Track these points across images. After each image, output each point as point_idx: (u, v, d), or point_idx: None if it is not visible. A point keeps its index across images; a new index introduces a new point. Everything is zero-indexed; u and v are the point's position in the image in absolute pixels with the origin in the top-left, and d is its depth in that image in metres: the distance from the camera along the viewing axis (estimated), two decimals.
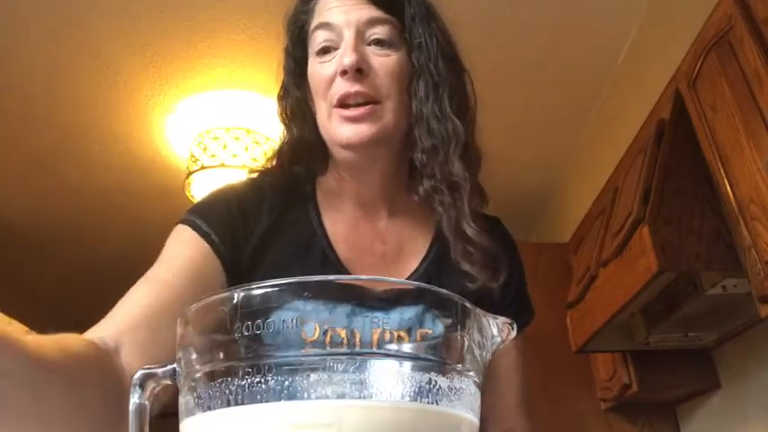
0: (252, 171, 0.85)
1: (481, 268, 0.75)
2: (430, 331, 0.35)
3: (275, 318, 0.32)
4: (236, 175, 2.70)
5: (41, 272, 4.21)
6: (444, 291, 0.35)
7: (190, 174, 2.69)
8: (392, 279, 0.38)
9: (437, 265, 0.79)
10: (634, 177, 1.76)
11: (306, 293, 0.33)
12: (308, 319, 0.32)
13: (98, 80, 2.52)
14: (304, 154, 0.82)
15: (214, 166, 2.66)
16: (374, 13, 0.73)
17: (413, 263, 0.79)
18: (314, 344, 0.32)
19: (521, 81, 2.49)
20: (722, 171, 1.37)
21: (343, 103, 0.72)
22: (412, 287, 0.36)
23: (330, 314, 0.33)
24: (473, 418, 0.36)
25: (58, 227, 3.64)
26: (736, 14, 1.33)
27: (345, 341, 0.33)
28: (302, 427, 0.30)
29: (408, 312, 0.34)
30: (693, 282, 1.56)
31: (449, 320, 0.35)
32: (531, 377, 0.86)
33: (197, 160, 2.69)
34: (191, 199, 2.83)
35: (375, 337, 0.33)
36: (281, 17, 0.84)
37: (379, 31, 0.73)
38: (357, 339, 0.33)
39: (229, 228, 0.74)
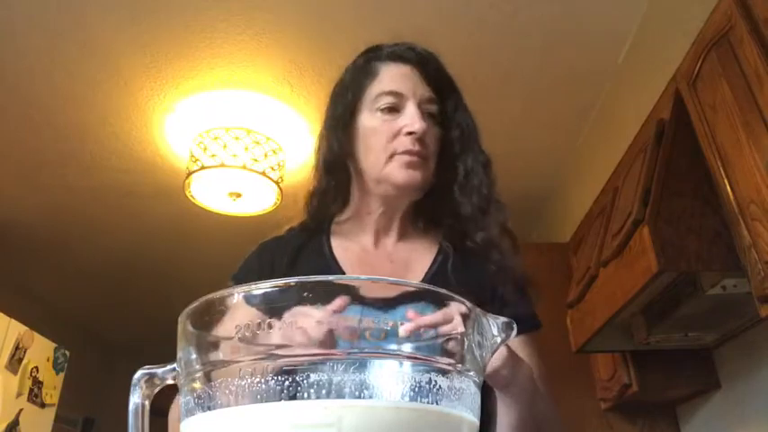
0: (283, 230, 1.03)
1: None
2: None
3: (275, 318, 0.32)
4: (236, 175, 2.70)
5: (41, 272, 4.21)
6: (444, 291, 0.35)
7: (190, 174, 2.69)
8: (392, 279, 0.39)
9: (440, 278, 0.91)
10: (634, 177, 1.76)
11: (305, 293, 0.33)
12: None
13: (98, 80, 2.52)
14: (330, 200, 0.99)
15: (214, 166, 2.66)
16: (430, 93, 0.94)
17: (418, 277, 0.91)
18: (312, 343, 0.32)
19: (521, 81, 2.49)
20: (722, 171, 1.37)
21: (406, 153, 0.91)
22: (413, 288, 0.36)
23: (330, 314, 0.33)
24: (473, 418, 0.36)
25: (59, 227, 3.64)
26: (736, 14, 1.33)
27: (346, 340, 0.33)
28: (302, 427, 0.30)
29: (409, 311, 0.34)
30: (693, 282, 1.55)
31: None
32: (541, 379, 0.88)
33: (197, 160, 2.68)
34: (191, 199, 2.83)
35: (378, 336, 0.33)
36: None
37: (431, 108, 0.94)
38: (358, 337, 0.33)
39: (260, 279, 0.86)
